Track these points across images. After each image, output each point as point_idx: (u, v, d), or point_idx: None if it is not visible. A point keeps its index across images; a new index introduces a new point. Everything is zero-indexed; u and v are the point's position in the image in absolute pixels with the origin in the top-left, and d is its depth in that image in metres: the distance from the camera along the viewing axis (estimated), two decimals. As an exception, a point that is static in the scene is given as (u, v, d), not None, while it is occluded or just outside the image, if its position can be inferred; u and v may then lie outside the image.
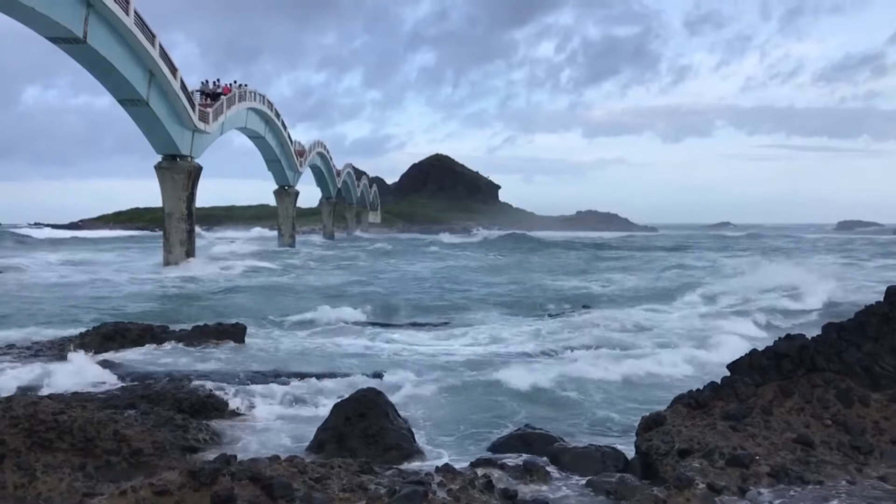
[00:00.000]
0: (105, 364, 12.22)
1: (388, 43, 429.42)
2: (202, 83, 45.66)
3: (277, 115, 63.43)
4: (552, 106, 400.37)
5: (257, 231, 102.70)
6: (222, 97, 47.47)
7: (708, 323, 18.87)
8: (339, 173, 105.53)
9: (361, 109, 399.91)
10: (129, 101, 37.54)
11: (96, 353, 12.96)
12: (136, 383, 10.71)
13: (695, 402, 7.79)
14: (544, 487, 6.67)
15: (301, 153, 75.70)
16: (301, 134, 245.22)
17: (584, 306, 22.69)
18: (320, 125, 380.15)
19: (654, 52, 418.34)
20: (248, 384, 10.96)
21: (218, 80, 48.68)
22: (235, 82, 52.23)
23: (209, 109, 44.32)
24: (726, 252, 61.66)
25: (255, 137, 62.03)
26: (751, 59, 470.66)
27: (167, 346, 14.01)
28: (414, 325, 19.01)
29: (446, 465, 6.69)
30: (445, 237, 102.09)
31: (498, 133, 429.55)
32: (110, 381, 11.24)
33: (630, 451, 7.51)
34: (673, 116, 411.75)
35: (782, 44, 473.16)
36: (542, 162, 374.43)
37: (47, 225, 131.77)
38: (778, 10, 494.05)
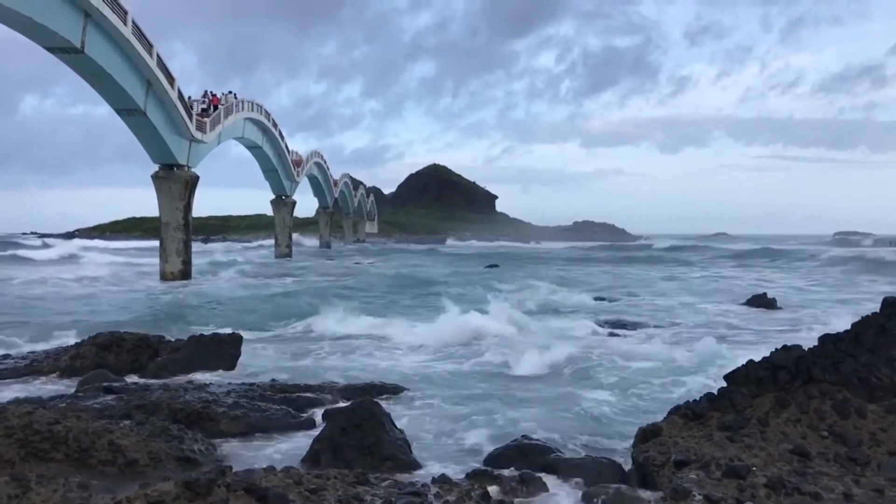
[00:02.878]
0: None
1: (388, 53, 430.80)
2: (188, 98, 45.07)
3: (275, 125, 63.52)
4: (551, 116, 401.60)
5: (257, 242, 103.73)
6: (220, 107, 47.48)
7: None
8: (336, 183, 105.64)
9: (360, 119, 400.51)
10: (127, 110, 37.56)
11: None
12: (131, 394, 10.67)
13: (691, 413, 7.79)
14: (541, 499, 6.66)
15: (298, 163, 75.79)
16: (300, 144, 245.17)
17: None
18: (319, 135, 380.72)
19: (654, 62, 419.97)
20: (243, 394, 10.91)
21: (206, 91, 48.47)
22: (231, 92, 52.29)
23: (206, 119, 44.34)
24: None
25: (252, 147, 62.09)
26: (751, 69, 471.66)
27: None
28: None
29: (443, 476, 6.67)
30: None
31: (496, 143, 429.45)
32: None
33: (627, 462, 7.51)
34: (671, 127, 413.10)
35: (782, 55, 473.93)
36: (541, 172, 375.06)
37: (42, 234, 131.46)
38: (779, 22, 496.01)
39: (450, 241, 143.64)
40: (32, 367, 13.13)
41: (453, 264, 57.57)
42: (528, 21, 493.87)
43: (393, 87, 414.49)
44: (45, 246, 63.04)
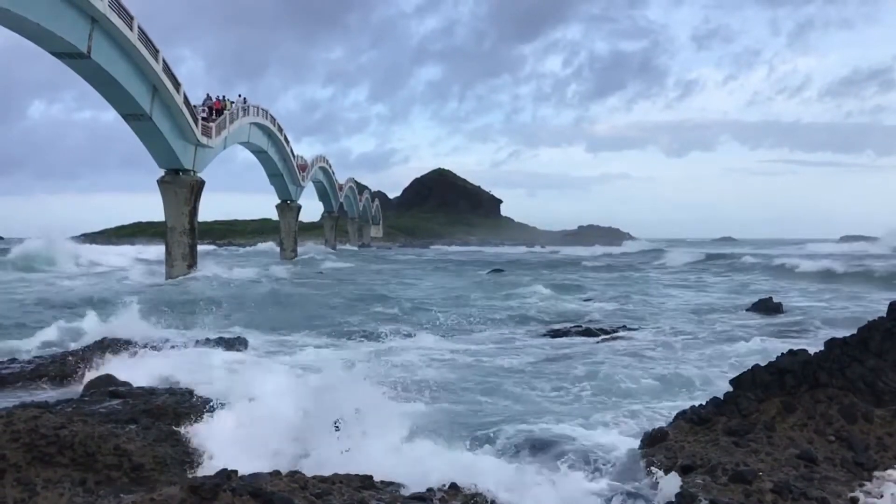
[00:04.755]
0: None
1: (395, 58, 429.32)
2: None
3: (280, 130, 63.71)
4: (557, 120, 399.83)
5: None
6: (225, 112, 47.63)
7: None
8: (341, 188, 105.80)
9: (367, 124, 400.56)
10: (133, 115, 37.72)
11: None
12: (137, 398, 10.68)
13: (697, 418, 7.77)
14: (548, 500, 6.63)
15: (303, 168, 75.98)
16: (306, 148, 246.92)
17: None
18: (326, 139, 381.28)
19: (661, 66, 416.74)
20: (250, 399, 10.91)
21: (208, 94, 48.56)
22: (240, 96, 52.59)
23: (212, 124, 44.47)
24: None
25: (257, 152, 62.27)
26: (758, 73, 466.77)
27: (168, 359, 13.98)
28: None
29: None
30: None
31: (502, 148, 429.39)
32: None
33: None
34: (677, 131, 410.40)
35: (790, 58, 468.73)
36: (546, 176, 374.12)
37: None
38: (787, 25, 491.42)
39: (435, 247, 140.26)
40: (38, 372, 13.16)
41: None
42: (535, 25, 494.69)
43: (399, 91, 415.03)
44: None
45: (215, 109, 46.96)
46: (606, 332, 18.80)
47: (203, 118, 44.14)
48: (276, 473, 6.26)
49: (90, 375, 12.28)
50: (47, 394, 11.80)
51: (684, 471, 6.69)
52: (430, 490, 6.25)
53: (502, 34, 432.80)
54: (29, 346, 16.36)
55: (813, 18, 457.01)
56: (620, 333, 18.63)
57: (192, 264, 40.89)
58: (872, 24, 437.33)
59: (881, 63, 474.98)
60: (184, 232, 40.84)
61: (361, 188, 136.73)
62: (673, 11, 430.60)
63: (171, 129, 39.88)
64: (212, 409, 9.10)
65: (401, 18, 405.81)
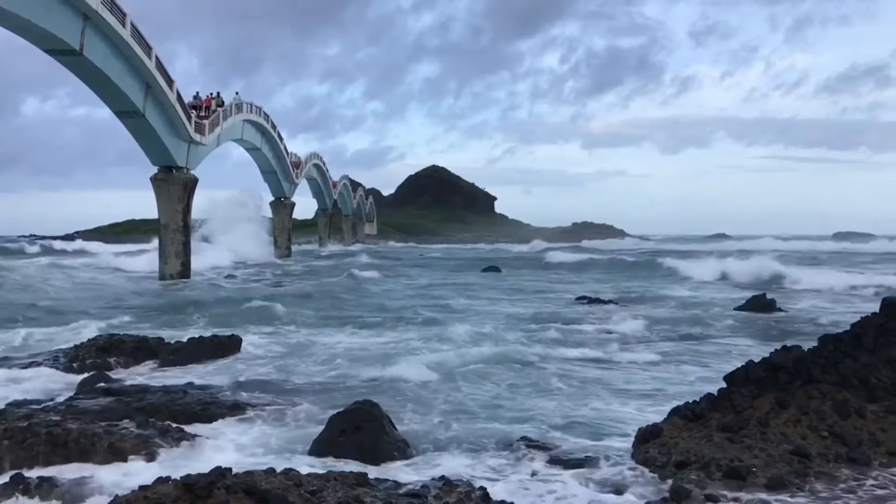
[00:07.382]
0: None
1: (391, 54, 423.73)
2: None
3: (274, 127, 63.51)
4: (554, 117, 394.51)
5: None
6: (219, 109, 47.46)
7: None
8: (335, 185, 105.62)
9: (363, 121, 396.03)
10: (126, 112, 37.54)
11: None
12: (130, 396, 10.66)
13: (691, 414, 7.79)
14: (543, 497, 6.65)
15: (297, 165, 75.78)
16: (301, 145, 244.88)
17: None
18: (321, 136, 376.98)
19: (658, 63, 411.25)
20: (243, 396, 10.91)
21: (197, 92, 48.21)
22: (237, 93, 52.46)
23: (205, 121, 44.32)
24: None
25: (251, 149, 62.11)
26: (755, 69, 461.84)
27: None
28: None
29: (443, 477, 6.67)
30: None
31: (498, 144, 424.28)
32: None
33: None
34: (673, 128, 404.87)
35: (787, 55, 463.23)
36: (542, 173, 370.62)
37: (41, 237, 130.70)
38: (785, 21, 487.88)
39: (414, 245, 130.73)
40: (32, 369, 13.13)
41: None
42: (532, 21, 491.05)
43: (396, 88, 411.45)
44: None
45: (205, 106, 46.63)
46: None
47: (196, 116, 44.00)
48: (271, 471, 6.25)
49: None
50: (41, 391, 11.70)
51: (678, 467, 6.71)
52: (424, 486, 6.25)
53: (499, 30, 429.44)
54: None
55: (811, 15, 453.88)
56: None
57: (185, 262, 40.77)
58: (870, 21, 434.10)
59: (878, 60, 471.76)
60: (177, 229, 40.70)
61: (356, 185, 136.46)
62: (670, 8, 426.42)
63: (164, 127, 39.71)
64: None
65: (397, 15, 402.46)
